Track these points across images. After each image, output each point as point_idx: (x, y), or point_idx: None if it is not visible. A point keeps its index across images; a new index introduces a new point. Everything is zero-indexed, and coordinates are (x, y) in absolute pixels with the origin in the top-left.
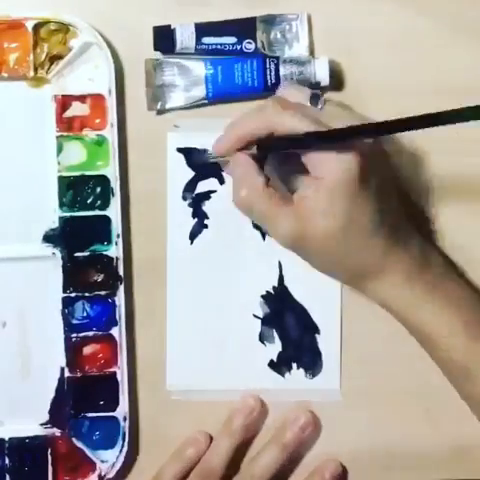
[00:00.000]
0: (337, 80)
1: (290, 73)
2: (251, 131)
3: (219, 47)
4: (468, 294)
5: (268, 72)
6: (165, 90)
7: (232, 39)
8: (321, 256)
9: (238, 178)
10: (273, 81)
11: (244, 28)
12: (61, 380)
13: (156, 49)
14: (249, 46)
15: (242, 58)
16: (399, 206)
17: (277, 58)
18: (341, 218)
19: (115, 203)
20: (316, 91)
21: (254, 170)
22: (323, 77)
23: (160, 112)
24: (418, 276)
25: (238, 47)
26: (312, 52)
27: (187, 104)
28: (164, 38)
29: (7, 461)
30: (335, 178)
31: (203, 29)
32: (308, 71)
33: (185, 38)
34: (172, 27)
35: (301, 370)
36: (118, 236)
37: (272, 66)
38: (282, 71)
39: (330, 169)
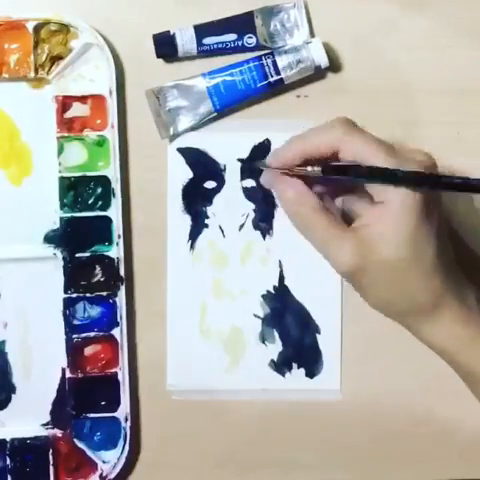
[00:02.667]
0: (340, 63)
1: (288, 64)
2: (317, 147)
3: (220, 46)
4: None
5: (267, 69)
6: (173, 114)
7: (232, 36)
8: (379, 288)
9: (292, 198)
10: (274, 76)
11: (243, 23)
12: (62, 381)
13: (159, 56)
14: (250, 41)
15: (238, 63)
16: (453, 251)
17: (272, 52)
18: (406, 248)
19: (116, 204)
20: None
21: (308, 190)
22: (321, 59)
23: (174, 137)
24: (472, 318)
25: (239, 43)
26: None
27: (198, 122)
28: (165, 44)
29: (9, 462)
30: (400, 203)
31: (202, 30)
32: (305, 57)
33: (186, 42)
34: (171, 32)
35: (301, 370)
36: (119, 237)
37: (269, 61)
38: (280, 63)
39: (395, 194)
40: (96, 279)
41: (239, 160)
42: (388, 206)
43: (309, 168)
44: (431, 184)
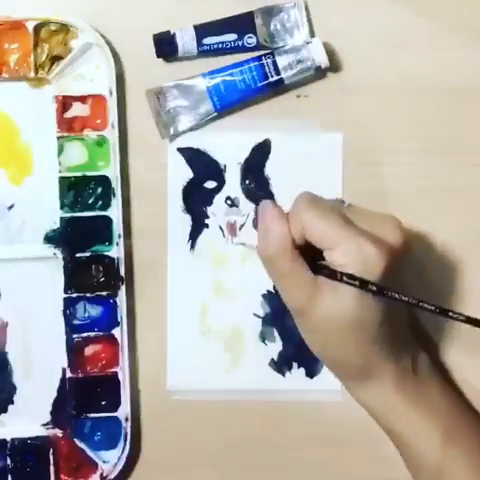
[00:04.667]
0: (340, 63)
1: (289, 64)
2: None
3: (221, 46)
4: (450, 402)
5: (267, 69)
6: (173, 115)
7: (232, 36)
8: (316, 333)
9: (268, 229)
10: (274, 76)
11: (243, 23)
12: (63, 381)
13: (159, 56)
14: (250, 41)
15: (238, 63)
16: (403, 315)
17: (272, 52)
18: (353, 314)
19: (116, 203)
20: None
21: (287, 228)
22: (321, 59)
23: (174, 137)
24: (404, 386)
25: (239, 43)
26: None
27: (198, 122)
28: (165, 44)
29: (9, 462)
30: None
31: (203, 30)
32: (305, 57)
33: (186, 42)
34: (171, 32)
35: (302, 369)
36: (119, 236)
37: (269, 61)
38: (280, 63)
39: (353, 269)
40: (96, 279)
41: (178, 149)
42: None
43: None
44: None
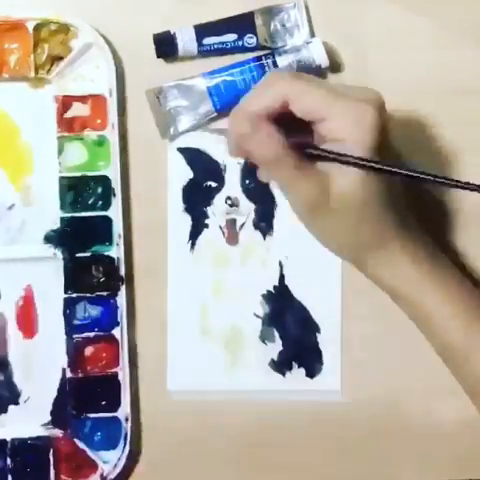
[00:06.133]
0: (340, 63)
1: (289, 64)
2: (265, 109)
3: (221, 46)
4: (469, 285)
5: (267, 69)
6: (173, 114)
7: (233, 36)
8: (332, 223)
9: (261, 138)
10: None
11: (243, 24)
12: (63, 381)
13: (159, 56)
14: (250, 41)
15: (238, 63)
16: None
17: (272, 52)
18: (362, 184)
19: (116, 203)
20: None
21: (276, 130)
22: (322, 59)
23: (174, 137)
24: (424, 260)
25: (240, 43)
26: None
27: (198, 122)
28: (165, 44)
29: (9, 462)
30: (356, 140)
31: (203, 30)
32: (305, 57)
33: (186, 42)
34: (171, 32)
35: (301, 369)
36: (119, 236)
37: (269, 61)
38: (280, 63)
39: (351, 133)
40: (96, 279)
41: (178, 149)
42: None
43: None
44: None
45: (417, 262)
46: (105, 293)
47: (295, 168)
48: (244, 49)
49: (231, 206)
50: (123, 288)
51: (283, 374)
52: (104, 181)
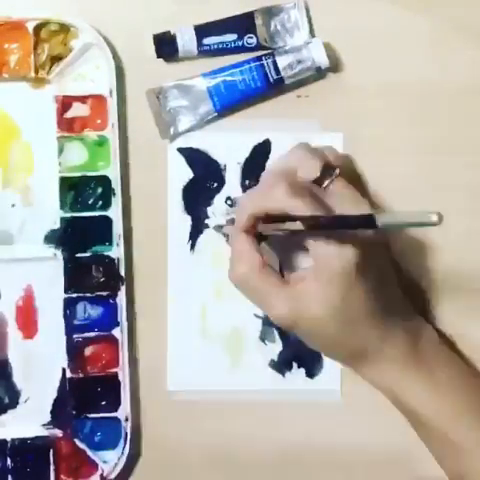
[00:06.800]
0: (340, 63)
1: (289, 64)
2: (259, 213)
3: (221, 46)
4: (457, 372)
5: (267, 69)
6: (173, 114)
7: (233, 36)
8: (317, 338)
9: (236, 254)
10: (274, 76)
11: (243, 24)
12: (63, 381)
13: (159, 56)
14: (250, 41)
15: (239, 63)
16: (397, 290)
17: (272, 52)
18: (336, 304)
19: (116, 203)
20: (330, 167)
21: (253, 248)
22: (322, 60)
23: (174, 137)
24: (412, 360)
25: (240, 43)
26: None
27: (198, 122)
28: (165, 44)
29: (9, 462)
30: (333, 270)
31: (203, 30)
32: (306, 57)
33: (186, 41)
34: (172, 32)
35: (301, 369)
36: (119, 237)
37: (270, 62)
38: (280, 63)
39: (329, 260)
40: (96, 279)
41: (178, 149)
42: (324, 266)
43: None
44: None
45: (405, 367)
46: (105, 293)
47: (267, 286)
48: (244, 49)
49: (231, 206)
50: (123, 288)
51: (283, 374)
52: (104, 181)
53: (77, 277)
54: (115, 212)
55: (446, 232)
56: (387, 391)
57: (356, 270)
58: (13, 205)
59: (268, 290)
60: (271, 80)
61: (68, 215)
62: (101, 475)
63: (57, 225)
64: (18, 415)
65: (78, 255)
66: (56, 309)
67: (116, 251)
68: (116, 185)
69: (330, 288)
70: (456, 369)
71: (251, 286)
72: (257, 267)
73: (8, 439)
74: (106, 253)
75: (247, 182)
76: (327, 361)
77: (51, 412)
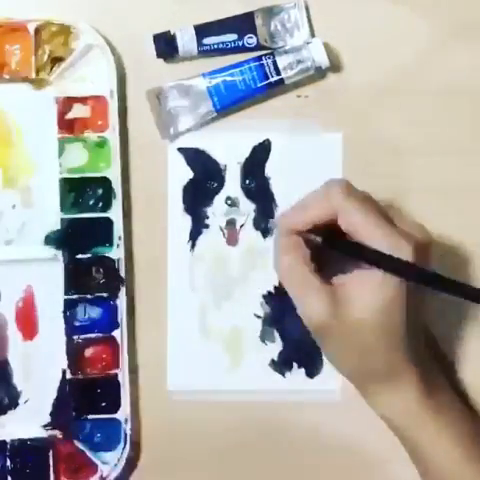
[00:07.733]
0: (340, 63)
1: (289, 64)
2: (318, 216)
3: (221, 46)
4: (469, 423)
5: (267, 69)
6: (173, 115)
7: (233, 36)
8: (342, 347)
9: (285, 244)
10: (274, 76)
11: (243, 23)
12: (63, 382)
13: (159, 56)
14: (250, 41)
15: (239, 63)
16: (421, 331)
17: (272, 52)
18: (379, 316)
19: (117, 205)
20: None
21: (302, 242)
22: (322, 60)
23: (174, 137)
24: (427, 397)
25: (240, 43)
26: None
27: (198, 122)
28: (165, 45)
29: (9, 463)
30: (380, 277)
31: (203, 30)
32: (305, 57)
33: (186, 42)
34: (172, 32)
35: (302, 369)
36: (120, 238)
37: (269, 61)
38: (280, 63)
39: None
40: (97, 280)
41: (179, 149)
42: (371, 273)
43: (312, 236)
44: (420, 279)
45: (420, 401)
46: (105, 294)
47: (308, 280)
48: (244, 49)
49: (231, 206)
50: (123, 289)
51: (283, 374)
52: (104, 182)
53: (77, 278)
54: (115, 213)
55: None
56: (392, 421)
57: (400, 282)
58: (14, 206)
59: (309, 285)
60: (271, 80)
61: (68, 216)
62: (101, 476)
63: (57, 226)
64: (18, 416)
65: (78, 256)
66: (56, 310)
67: (116, 252)
68: (116, 186)
69: (376, 295)
70: (462, 418)
71: (294, 278)
72: (302, 259)
73: (8, 440)
74: (106, 254)
75: (247, 182)
76: (327, 361)
77: (51, 413)
